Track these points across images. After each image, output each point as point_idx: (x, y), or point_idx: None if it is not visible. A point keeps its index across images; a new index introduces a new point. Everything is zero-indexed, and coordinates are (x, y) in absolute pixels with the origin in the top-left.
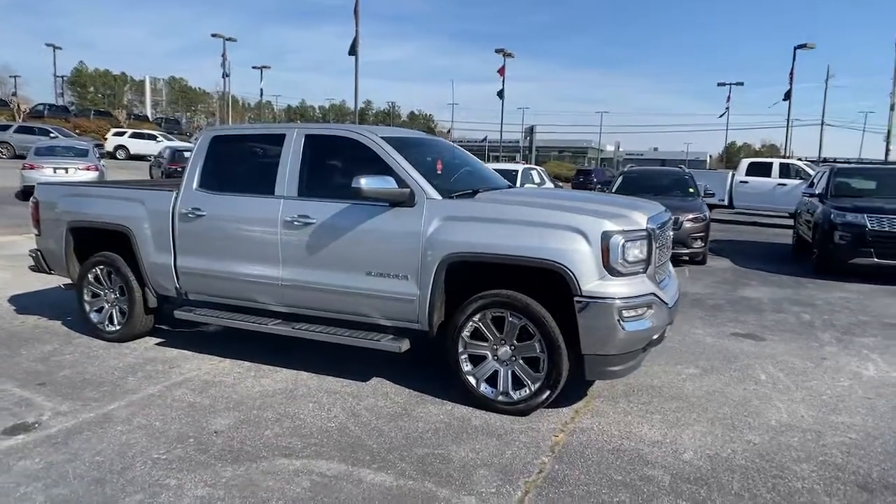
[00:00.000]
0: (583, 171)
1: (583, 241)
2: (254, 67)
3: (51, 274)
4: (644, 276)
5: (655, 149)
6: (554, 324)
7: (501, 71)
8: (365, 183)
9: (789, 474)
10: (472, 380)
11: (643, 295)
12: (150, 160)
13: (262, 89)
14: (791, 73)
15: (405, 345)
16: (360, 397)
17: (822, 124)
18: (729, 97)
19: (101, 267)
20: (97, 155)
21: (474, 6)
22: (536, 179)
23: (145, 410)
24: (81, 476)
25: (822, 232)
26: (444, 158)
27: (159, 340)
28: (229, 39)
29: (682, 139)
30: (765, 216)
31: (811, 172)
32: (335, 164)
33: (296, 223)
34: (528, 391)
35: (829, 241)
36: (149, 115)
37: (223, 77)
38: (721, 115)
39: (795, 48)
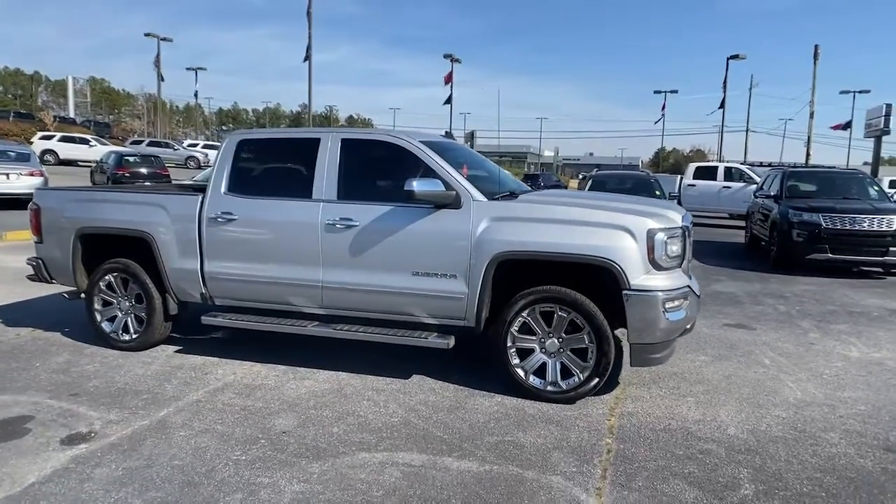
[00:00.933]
0: (530, 176)
1: (630, 239)
2: (188, 69)
3: (51, 283)
4: (679, 270)
5: (591, 154)
6: (602, 316)
7: (449, 77)
8: (417, 186)
9: (823, 442)
10: (520, 372)
11: (681, 287)
12: (86, 165)
13: (196, 91)
14: (724, 82)
15: (451, 342)
16: (409, 394)
17: (747, 130)
18: (664, 105)
19: (115, 274)
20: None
21: (406, 10)
22: None
23: (200, 416)
24: (169, 479)
25: (781, 230)
26: (468, 162)
27: (177, 348)
28: (164, 39)
29: (615, 145)
30: (712, 217)
31: (753, 176)
32: (374, 168)
33: (338, 226)
34: (577, 380)
35: (787, 239)
36: (73, 117)
37: (159, 79)
38: (657, 122)
39: (728, 59)
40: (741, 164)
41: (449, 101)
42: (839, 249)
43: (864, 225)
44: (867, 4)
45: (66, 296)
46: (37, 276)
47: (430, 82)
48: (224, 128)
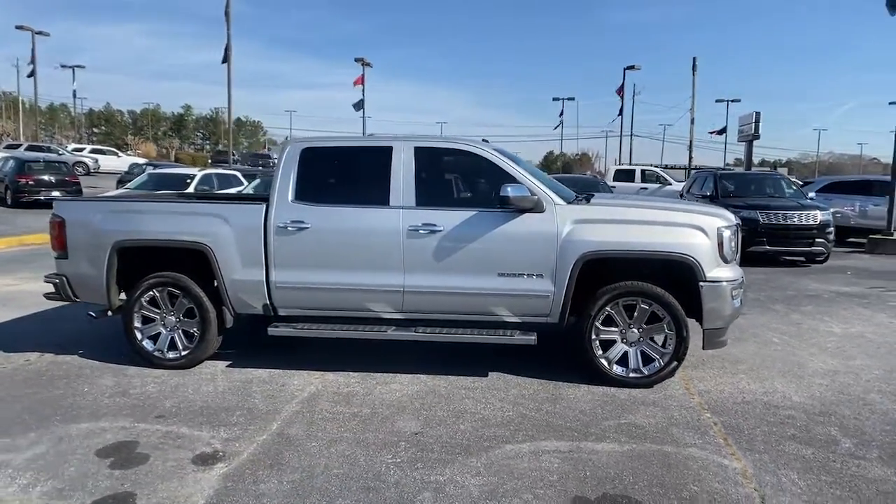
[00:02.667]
0: None
1: (703, 236)
2: (63, 66)
3: (75, 302)
4: (735, 263)
5: None
6: (679, 306)
7: (359, 81)
8: (511, 192)
9: (870, 401)
10: (604, 362)
11: (741, 277)
12: None
13: (75, 91)
14: (621, 90)
15: (535, 338)
16: (501, 390)
17: (631, 135)
18: (562, 111)
19: (161, 289)
20: None
21: (288, 11)
22: None
23: (316, 426)
24: (346, 487)
25: None
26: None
27: (226, 363)
28: (40, 33)
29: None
30: None
31: (668, 178)
32: (451, 174)
33: (421, 231)
34: (657, 365)
35: None
36: None
37: (30, 77)
38: (556, 127)
39: (625, 69)
40: (656, 167)
41: (360, 105)
42: (775, 242)
43: (794, 220)
44: (733, 20)
45: (92, 315)
46: (59, 295)
47: (323, 85)
48: (95, 129)
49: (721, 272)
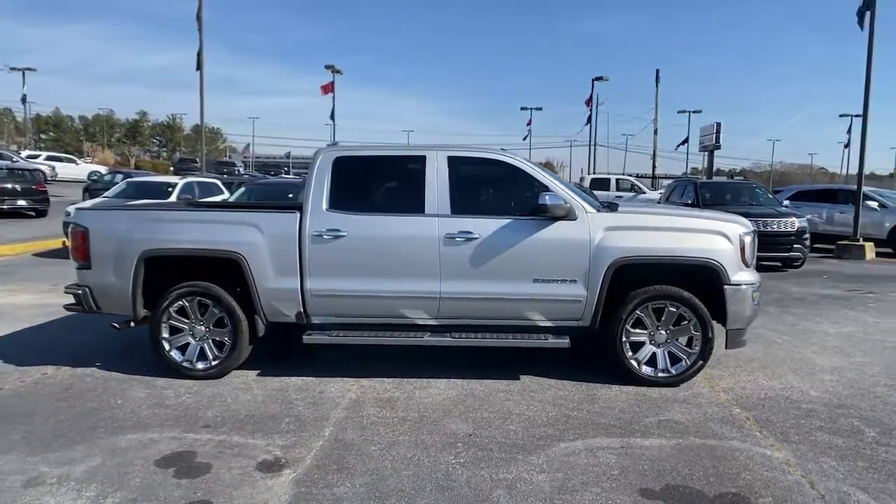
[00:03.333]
0: None
1: (727, 241)
2: (12, 69)
3: (96, 313)
4: (753, 267)
5: None
6: (705, 309)
7: (327, 88)
8: (549, 200)
9: (880, 394)
10: (634, 363)
11: (758, 281)
12: None
13: (24, 95)
14: (589, 101)
15: (568, 342)
16: (537, 391)
17: (596, 145)
18: (530, 121)
19: (190, 298)
20: None
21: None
22: None
23: (370, 430)
24: (420, 487)
25: None
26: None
27: (256, 372)
28: None
29: None
30: None
31: (641, 186)
32: (483, 183)
33: (457, 239)
34: (684, 364)
35: None
36: None
37: None
38: (525, 138)
39: (593, 80)
40: (630, 176)
41: (332, 115)
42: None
43: (774, 227)
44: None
45: (115, 326)
46: (81, 306)
47: (284, 91)
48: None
49: (743, 276)
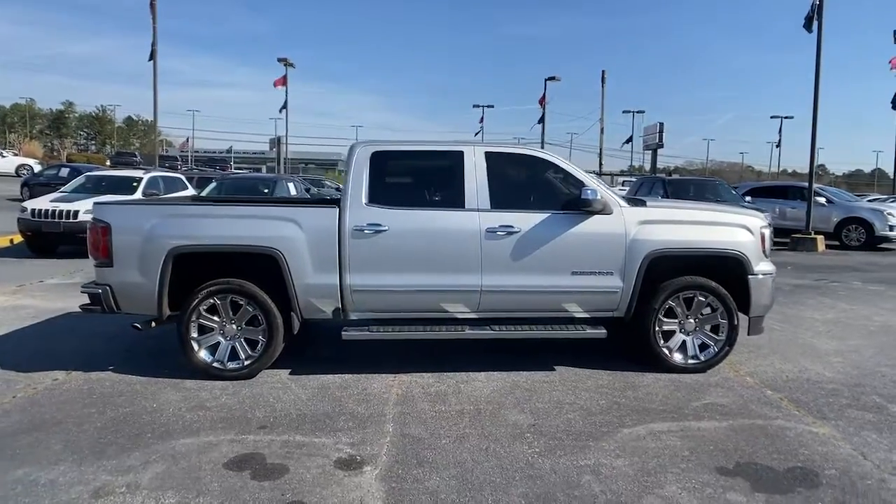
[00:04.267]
0: None
1: (749, 234)
2: None
3: (115, 313)
4: (769, 258)
5: None
6: (731, 297)
7: (279, 82)
8: (591, 195)
9: (885, 373)
10: (666, 351)
11: (774, 271)
12: None
13: None
14: (542, 100)
15: (605, 332)
16: (576, 382)
17: (543, 142)
18: (482, 118)
19: (222, 296)
20: None
21: (176, 3)
22: (292, 191)
23: (432, 424)
24: (509, 476)
25: None
26: None
27: (287, 371)
28: None
29: None
30: None
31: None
32: (519, 178)
33: (499, 233)
34: (713, 351)
35: None
36: None
37: None
38: (476, 134)
39: (546, 80)
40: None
41: (285, 107)
42: None
43: None
44: (636, 35)
45: (137, 327)
46: (101, 306)
47: (224, 84)
48: None
49: (764, 266)
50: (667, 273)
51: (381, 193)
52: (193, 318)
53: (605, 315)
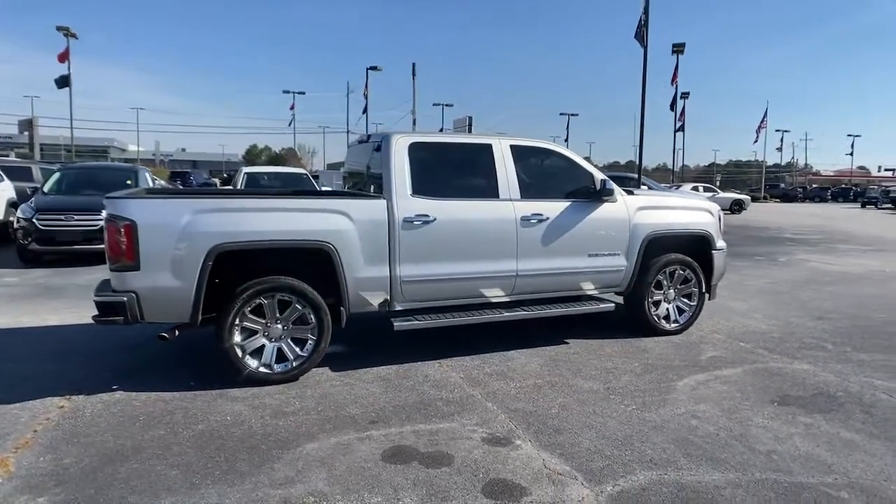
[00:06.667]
0: (177, 174)
1: (712, 216)
2: None
3: (138, 324)
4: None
5: (183, 150)
6: (701, 269)
7: (64, 56)
8: (608, 185)
9: (797, 321)
10: (656, 318)
11: (726, 246)
12: None
13: None
14: (366, 91)
15: (613, 306)
16: (596, 350)
17: (347, 132)
18: (293, 105)
19: (270, 295)
20: None
21: None
22: (150, 182)
23: (533, 397)
24: (663, 430)
25: None
26: None
27: (324, 368)
28: None
29: (207, 141)
30: None
31: None
32: (541, 169)
33: (532, 221)
34: (688, 315)
35: None
36: None
37: None
38: (289, 123)
39: (368, 69)
40: None
41: (66, 83)
42: None
43: None
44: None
45: (165, 337)
46: (123, 317)
47: None
48: None
49: (721, 243)
50: (656, 251)
51: (423, 185)
52: (237, 321)
53: (611, 291)
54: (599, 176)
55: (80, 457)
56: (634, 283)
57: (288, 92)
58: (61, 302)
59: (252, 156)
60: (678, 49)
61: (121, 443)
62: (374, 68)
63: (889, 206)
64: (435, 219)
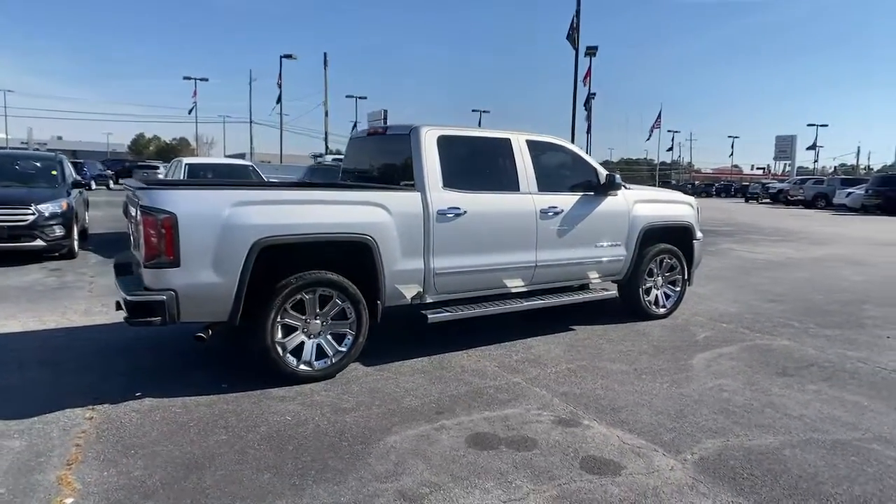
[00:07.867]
0: (73, 163)
1: (692, 209)
2: None
3: (173, 324)
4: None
5: (60, 138)
6: (684, 257)
7: None
8: (617, 179)
9: (758, 304)
10: (648, 304)
11: (702, 236)
12: None
13: None
14: (279, 79)
15: (616, 293)
16: (604, 336)
17: (251, 122)
18: (195, 92)
19: (311, 290)
20: None
21: None
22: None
23: (574, 380)
24: (693, 399)
25: None
26: None
27: (357, 364)
28: None
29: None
30: None
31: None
32: (552, 164)
33: (549, 213)
34: (674, 300)
35: None
36: None
37: None
38: (190, 111)
39: (281, 57)
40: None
41: None
42: None
43: None
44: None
45: (202, 337)
46: (162, 317)
47: None
48: None
49: (699, 233)
50: (648, 242)
51: (453, 178)
52: (278, 318)
53: (611, 279)
54: (602, 171)
55: (150, 468)
56: (631, 272)
57: (189, 78)
58: (11, 307)
59: (139, 146)
60: (591, 52)
61: (187, 451)
62: (288, 56)
63: (768, 200)
64: (465, 211)
